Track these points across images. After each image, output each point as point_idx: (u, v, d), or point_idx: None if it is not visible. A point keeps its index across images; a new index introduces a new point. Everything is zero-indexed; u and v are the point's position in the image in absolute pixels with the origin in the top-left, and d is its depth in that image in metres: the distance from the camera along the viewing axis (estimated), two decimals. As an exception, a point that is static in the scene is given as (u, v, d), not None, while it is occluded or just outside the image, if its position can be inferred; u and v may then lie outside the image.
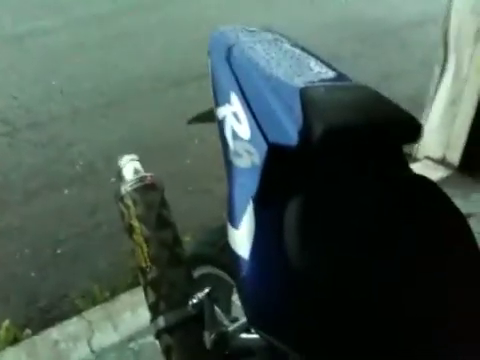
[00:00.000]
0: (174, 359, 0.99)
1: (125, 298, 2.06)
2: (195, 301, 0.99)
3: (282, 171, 0.81)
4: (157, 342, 1.04)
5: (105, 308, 2.02)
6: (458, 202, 0.83)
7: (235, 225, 0.83)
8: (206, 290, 0.99)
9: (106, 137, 3.28)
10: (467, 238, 0.81)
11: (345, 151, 0.80)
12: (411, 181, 0.85)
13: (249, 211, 0.80)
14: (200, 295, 0.99)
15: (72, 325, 1.94)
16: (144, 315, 1.10)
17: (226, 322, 1.04)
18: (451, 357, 0.72)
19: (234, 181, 0.88)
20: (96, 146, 3.19)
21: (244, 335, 0.97)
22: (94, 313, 2.00)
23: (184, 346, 0.99)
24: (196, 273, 1.33)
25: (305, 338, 0.74)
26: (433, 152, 2.93)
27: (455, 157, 2.82)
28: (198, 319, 0.98)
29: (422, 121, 2.83)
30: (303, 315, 0.73)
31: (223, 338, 0.95)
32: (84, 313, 2.00)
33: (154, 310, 1.03)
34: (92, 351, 1.83)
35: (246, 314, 0.82)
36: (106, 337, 1.88)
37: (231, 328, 0.99)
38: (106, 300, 2.07)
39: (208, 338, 0.95)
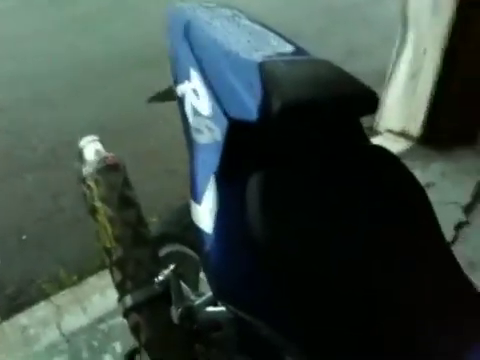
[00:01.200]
0: (143, 336, 1.00)
1: (93, 281, 2.05)
2: (161, 278, 1.00)
3: (243, 146, 0.81)
4: (126, 321, 1.04)
5: (73, 292, 2.01)
6: (418, 173, 0.86)
7: (198, 201, 0.84)
8: (171, 267, 1.00)
9: (68, 121, 3.22)
10: (425, 208, 0.83)
11: (304, 124, 0.81)
12: (370, 152, 0.87)
13: (211, 186, 0.80)
14: (166, 272, 1.00)
15: (40, 310, 1.93)
16: (112, 297, 1.10)
17: (193, 297, 1.05)
18: (420, 329, 0.74)
19: (196, 157, 0.89)
20: (58, 130, 3.13)
21: (211, 308, 0.99)
22: (62, 297, 1.99)
23: (152, 323, 1.00)
24: (163, 251, 1.34)
25: (268, 309, 0.75)
26: (394, 125, 2.97)
27: (415, 129, 2.87)
28: (165, 296, 0.99)
29: (382, 94, 2.87)
30: (266, 286, 0.75)
31: (190, 312, 0.96)
32: (52, 297, 1.98)
33: (121, 289, 1.03)
34: (62, 334, 1.82)
35: (211, 287, 0.84)
36: (75, 320, 1.87)
37: (197, 302, 1.00)
38: (74, 284, 2.06)
39: (175, 313, 0.96)
